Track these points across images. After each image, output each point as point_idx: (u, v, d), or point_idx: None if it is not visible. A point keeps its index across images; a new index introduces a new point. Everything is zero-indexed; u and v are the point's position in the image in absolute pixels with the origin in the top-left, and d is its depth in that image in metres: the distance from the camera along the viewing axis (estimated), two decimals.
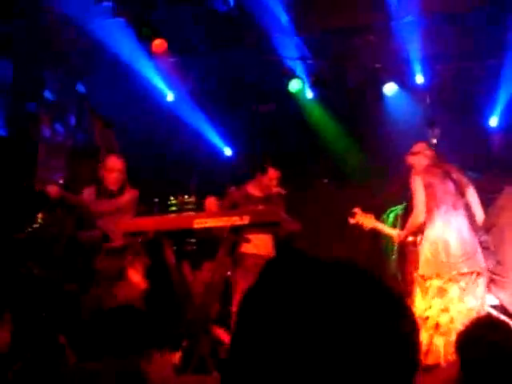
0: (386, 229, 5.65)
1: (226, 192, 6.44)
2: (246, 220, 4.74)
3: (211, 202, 6.00)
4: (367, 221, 5.52)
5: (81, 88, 8.11)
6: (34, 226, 7.02)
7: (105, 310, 4.41)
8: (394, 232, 5.65)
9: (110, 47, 7.93)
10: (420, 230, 5.36)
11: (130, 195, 5.91)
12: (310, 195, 8.66)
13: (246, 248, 5.85)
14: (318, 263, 1.15)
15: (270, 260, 1.17)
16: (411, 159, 5.72)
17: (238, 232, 4.95)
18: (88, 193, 5.97)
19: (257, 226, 4.94)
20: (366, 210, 5.72)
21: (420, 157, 5.64)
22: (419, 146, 5.79)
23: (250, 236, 5.35)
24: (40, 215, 7.05)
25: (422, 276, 5.04)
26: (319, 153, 8.97)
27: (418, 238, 5.44)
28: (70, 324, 5.01)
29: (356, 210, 5.59)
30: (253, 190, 6.48)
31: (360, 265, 1.16)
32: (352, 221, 5.59)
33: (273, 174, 6.53)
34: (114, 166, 5.88)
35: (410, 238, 5.60)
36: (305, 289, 1.10)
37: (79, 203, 5.97)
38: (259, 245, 5.85)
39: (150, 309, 5.55)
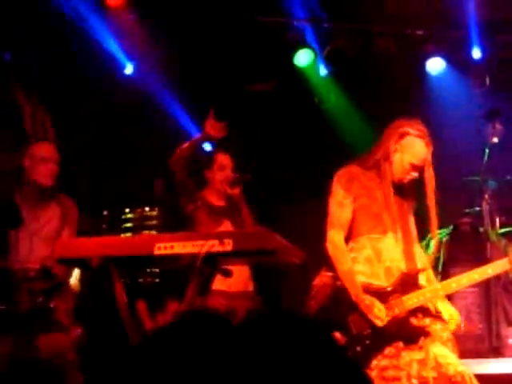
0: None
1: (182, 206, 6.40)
2: (227, 246, 4.54)
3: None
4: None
5: (7, 56, 8.02)
6: None
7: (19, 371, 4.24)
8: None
9: None
10: None
11: (65, 204, 5.91)
12: (323, 207, 8.53)
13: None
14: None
15: None
16: None
17: (215, 262, 4.77)
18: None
19: (243, 255, 4.76)
20: None
21: None
22: None
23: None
24: None
25: None
26: (336, 150, 8.86)
27: None
28: None
29: None
30: (211, 198, 6.45)
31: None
32: None
33: (222, 160, 6.46)
34: (47, 155, 5.83)
35: None
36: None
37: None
38: (229, 278, 5.78)
39: (89, 366, 5.45)
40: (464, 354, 6.39)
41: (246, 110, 9.06)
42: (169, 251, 4.75)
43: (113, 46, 8.58)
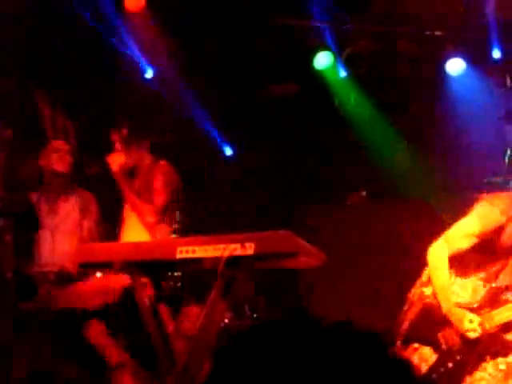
0: None
1: None
2: (249, 249, 4.53)
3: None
4: None
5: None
6: None
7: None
8: None
9: (67, 3, 7.85)
10: None
11: (84, 197, 6.17)
12: (341, 214, 8.50)
13: None
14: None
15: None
16: None
17: (237, 265, 4.76)
18: (36, 200, 6.14)
19: (264, 258, 4.74)
20: (423, 236, 5.50)
21: None
22: None
23: None
24: None
25: None
26: (355, 153, 8.82)
27: None
28: None
29: None
30: None
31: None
32: None
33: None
34: (58, 146, 6.25)
35: None
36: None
37: None
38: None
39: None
40: None
41: (265, 114, 9.05)
42: (191, 255, 4.74)
43: (133, 51, 8.57)
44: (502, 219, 4.72)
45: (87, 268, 5.32)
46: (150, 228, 5.88)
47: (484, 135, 8.07)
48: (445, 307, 4.65)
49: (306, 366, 1.49)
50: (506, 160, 7.10)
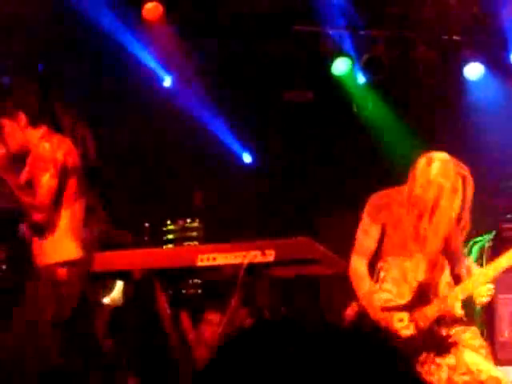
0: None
1: None
2: (269, 256, 4.55)
3: None
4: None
5: (39, 67, 8.04)
6: None
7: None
8: None
9: (85, 12, 7.86)
10: None
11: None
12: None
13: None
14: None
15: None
16: None
17: (257, 272, 4.77)
18: None
19: (285, 265, 4.75)
20: None
21: None
22: None
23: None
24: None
25: None
26: (374, 160, 8.79)
27: None
28: None
29: None
30: None
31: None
32: None
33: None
34: None
35: None
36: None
37: None
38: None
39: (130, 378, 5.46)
40: (508, 361, 6.31)
41: (284, 120, 9.04)
42: (211, 262, 4.75)
43: (151, 59, 8.59)
44: (388, 196, 4.88)
45: (108, 276, 5.30)
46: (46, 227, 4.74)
47: (503, 139, 8.04)
48: (372, 313, 4.67)
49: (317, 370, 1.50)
50: None
